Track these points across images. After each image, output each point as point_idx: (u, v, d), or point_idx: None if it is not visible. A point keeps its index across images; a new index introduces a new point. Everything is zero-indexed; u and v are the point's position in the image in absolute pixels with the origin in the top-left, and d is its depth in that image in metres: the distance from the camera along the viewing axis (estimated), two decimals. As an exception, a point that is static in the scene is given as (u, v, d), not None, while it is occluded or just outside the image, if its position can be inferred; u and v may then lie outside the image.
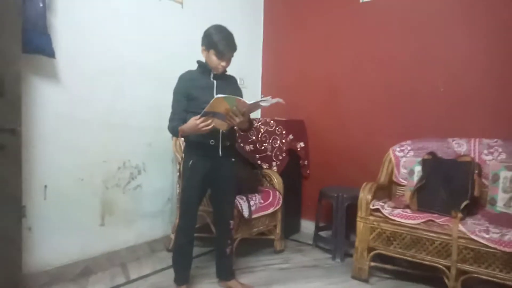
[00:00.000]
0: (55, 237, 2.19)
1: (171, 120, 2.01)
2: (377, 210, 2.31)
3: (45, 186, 2.13)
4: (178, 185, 2.74)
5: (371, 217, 2.33)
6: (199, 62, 2.06)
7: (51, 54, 2.04)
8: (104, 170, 2.42)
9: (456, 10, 2.67)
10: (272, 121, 3.09)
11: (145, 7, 2.62)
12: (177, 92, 2.02)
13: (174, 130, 1.98)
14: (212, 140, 1.98)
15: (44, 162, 2.12)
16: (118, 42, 2.46)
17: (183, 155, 2.08)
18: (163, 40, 2.73)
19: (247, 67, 3.28)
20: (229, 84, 2.09)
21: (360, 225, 2.37)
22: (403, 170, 2.66)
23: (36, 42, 1.96)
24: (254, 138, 3.13)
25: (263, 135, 3.10)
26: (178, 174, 2.73)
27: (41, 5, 1.96)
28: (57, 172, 2.18)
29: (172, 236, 2.72)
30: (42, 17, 1.98)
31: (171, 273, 2.16)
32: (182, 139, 2.67)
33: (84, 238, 2.34)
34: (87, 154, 2.32)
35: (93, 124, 2.34)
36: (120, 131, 2.49)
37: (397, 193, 2.71)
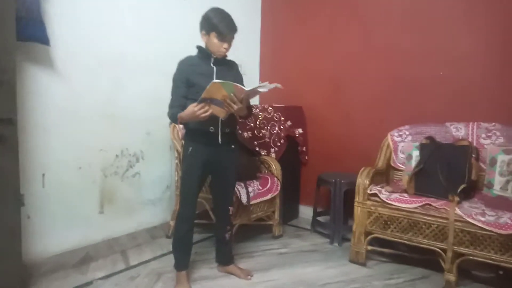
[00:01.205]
0: (55, 225, 2.22)
1: (170, 106, 1.99)
2: (375, 194, 2.32)
3: (43, 175, 2.14)
4: (176, 173, 2.75)
5: (368, 202, 2.35)
6: (199, 47, 2.02)
7: (46, 42, 2.03)
8: (102, 159, 2.43)
9: (460, 2, 2.64)
10: (270, 108, 3.08)
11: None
12: (177, 78, 1.99)
13: (173, 117, 1.96)
14: (211, 127, 1.97)
15: (41, 151, 2.12)
16: (117, 32, 2.44)
17: (183, 142, 2.07)
18: (162, 30, 2.71)
19: (245, 54, 3.26)
20: (230, 70, 2.06)
21: (357, 209, 2.38)
22: (401, 155, 2.67)
23: (31, 30, 1.94)
24: (252, 124, 3.13)
25: (261, 121, 3.10)
26: (176, 161, 2.74)
27: (34, -8, 1.93)
28: (55, 161, 2.19)
29: (172, 223, 2.74)
30: (36, 4, 1.96)
31: (171, 258, 2.18)
32: (181, 126, 2.68)
33: (83, 226, 2.36)
34: (84, 143, 2.32)
35: (91, 113, 2.34)
36: (118, 120, 2.49)
37: (395, 178, 2.73)
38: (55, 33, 2.10)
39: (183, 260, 2.12)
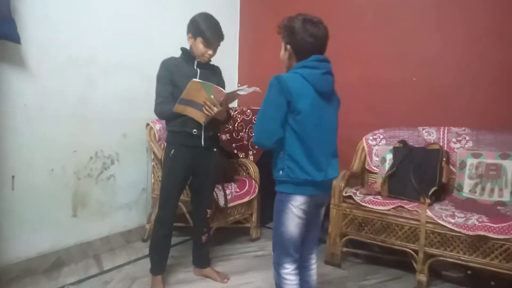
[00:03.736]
0: (24, 228, 2.14)
1: (160, 103, 1.94)
2: (350, 197, 2.37)
3: (13, 177, 2.07)
4: (153, 175, 2.71)
5: (344, 204, 2.38)
6: (183, 49, 2.01)
7: (16, 39, 1.96)
8: (75, 161, 2.37)
9: (432, 6, 2.73)
10: (248, 110, 3.09)
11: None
12: (162, 76, 1.97)
13: (167, 113, 1.92)
14: (194, 130, 1.96)
15: (11, 152, 2.05)
16: (90, 31, 2.38)
17: (165, 144, 2.04)
18: (137, 29, 2.66)
19: (223, 57, 3.24)
20: (214, 75, 2.06)
21: (333, 211, 2.42)
22: (375, 158, 2.73)
23: (0, 28, 1.88)
24: (230, 127, 3.13)
25: (240, 124, 3.10)
26: (153, 163, 2.70)
27: (4, -12, 1.87)
28: (25, 163, 2.12)
29: (148, 226, 2.70)
30: (5, 2, 1.90)
31: (146, 263, 2.15)
32: (158, 128, 2.65)
33: (55, 230, 2.29)
34: (57, 144, 2.26)
35: (63, 114, 2.28)
36: (92, 121, 2.44)
37: (370, 181, 2.79)
38: (26, 31, 2.04)
39: (160, 264, 2.09)
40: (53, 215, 2.28)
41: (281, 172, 1.49)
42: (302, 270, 1.57)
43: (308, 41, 1.41)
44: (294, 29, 1.41)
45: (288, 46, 1.46)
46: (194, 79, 1.74)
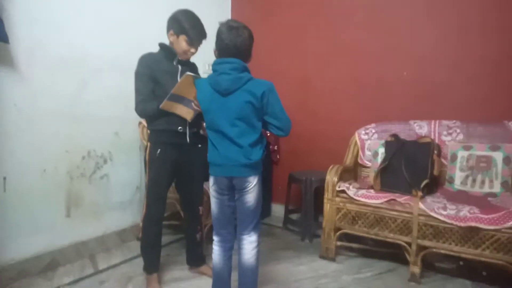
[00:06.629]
0: (18, 230, 2.13)
1: (141, 102, 1.91)
2: (343, 191, 2.38)
3: (4, 178, 2.05)
4: (145, 173, 2.70)
5: (337, 198, 2.40)
6: (162, 45, 1.99)
7: (4, 39, 1.94)
8: (67, 161, 2.35)
9: (421, 1, 2.74)
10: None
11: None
12: (142, 73, 1.92)
13: (150, 112, 1.90)
14: (180, 127, 1.95)
15: (2, 153, 2.03)
16: (81, 30, 2.36)
17: (149, 143, 2.02)
18: (127, 28, 2.65)
19: (212, 53, 3.24)
20: (193, 72, 2.06)
21: (327, 206, 2.44)
22: (367, 152, 2.75)
23: (-13, 27, 1.86)
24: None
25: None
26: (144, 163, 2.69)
27: (-10, -13, 1.85)
28: (17, 164, 2.10)
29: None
30: (-7, 1, 1.88)
31: (141, 261, 2.15)
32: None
33: (49, 231, 2.28)
34: (48, 144, 2.24)
35: (55, 114, 2.26)
36: (84, 121, 2.42)
37: (362, 175, 2.81)
38: (15, 31, 2.02)
39: (153, 263, 2.09)
40: (47, 216, 2.27)
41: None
42: (238, 247, 1.80)
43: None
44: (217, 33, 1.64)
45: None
46: (188, 73, 1.73)
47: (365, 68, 2.98)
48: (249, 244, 1.76)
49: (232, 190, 1.72)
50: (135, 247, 2.60)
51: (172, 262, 2.38)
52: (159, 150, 1.97)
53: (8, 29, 1.96)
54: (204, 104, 1.65)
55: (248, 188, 1.70)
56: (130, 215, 2.79)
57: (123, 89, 2.54)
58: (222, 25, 1.62)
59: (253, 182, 1.71)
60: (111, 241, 2.65)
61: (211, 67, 1.66)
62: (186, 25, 1.89)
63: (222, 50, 1.62)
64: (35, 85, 2.15)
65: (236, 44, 1.59)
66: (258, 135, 1.71)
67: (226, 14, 3.65)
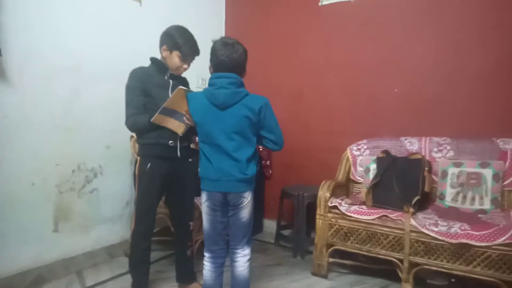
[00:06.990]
0: (4, 244, 2.08)
1: (132, 115, 1.90)
2: (335, 207, 2.38)
3: (-8, 191, 2.01)
4: (135, 188, 2.68)
5: (329, 214, 2.39)
6: (153, 59, 2.01)
7: (-3, 52, 1.94)
8: (57, 174, 2.32)
9: (412, 16, 2.81)
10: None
11: (102, 5, 2.54)
12: (134, 87, 1.93)
13: (142, 124, 1.89)
14: (171, 141, 1.95)
15: (-10, 166, 2.00)
16: (73, 40, 2.37)
17: (138, 157, 2.00)
18: (120, 38, 2.66)
19: (206, 65, 3.28)
20: (184, 86, 2.07)
21: (319, 222, 2.42)
22: (359, 168, 2.76)
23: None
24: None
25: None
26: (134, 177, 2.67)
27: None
28: (5, 176, 2.07)
29: (132, 240, 2.66)
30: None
31: (129, 278, 2.10)
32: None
33: (36, 245, 2.23)
34: (38, 156, 2.21)
35: (45, 125, 2.24)
36: (75, 133, 2.40)
37: (354, 191, 2.81)
38: (7, 41, 2.01)
39: (142, 280, 2.05)
40: (34, 230, 2.22)
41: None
42: (231, 261, 1.79)
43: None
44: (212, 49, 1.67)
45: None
46: (180, 87, 1.74)
47: (357, 82, 3.02)
48: (243, 257, 1.76)
49: (226, 206, 1.70)
50: (124, 263, 2.54)
51: (162, 279, 2.33)
52: (149, 164, 1.96)
53: (0, 40, 1.96)
54: (198, 116, 1.65)
55: (243, 204, 1.69)
56: (120, 230, 2.74)
57: (115, 100, 2.53)
58: (216, 42, 1.65)
59: (248, 197, 1.70)
60: (100, 256, 2.60)
61: (206, 81, 1.67)
62: (179, 40, 1.91)
63: (218, 65, 1.63)
64: (26, 96, 2.14)
65: (232, 60, 1.61)
66: (253, 149, 1.71)
67: (220, 30, 3.69)
